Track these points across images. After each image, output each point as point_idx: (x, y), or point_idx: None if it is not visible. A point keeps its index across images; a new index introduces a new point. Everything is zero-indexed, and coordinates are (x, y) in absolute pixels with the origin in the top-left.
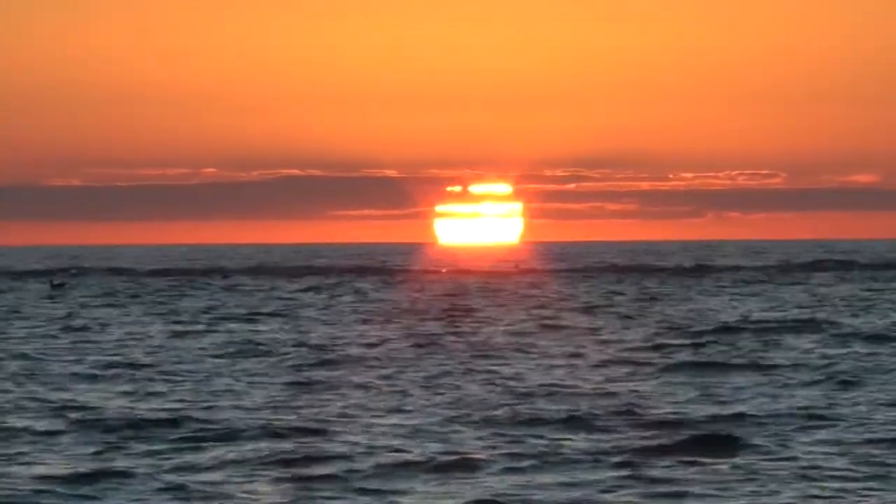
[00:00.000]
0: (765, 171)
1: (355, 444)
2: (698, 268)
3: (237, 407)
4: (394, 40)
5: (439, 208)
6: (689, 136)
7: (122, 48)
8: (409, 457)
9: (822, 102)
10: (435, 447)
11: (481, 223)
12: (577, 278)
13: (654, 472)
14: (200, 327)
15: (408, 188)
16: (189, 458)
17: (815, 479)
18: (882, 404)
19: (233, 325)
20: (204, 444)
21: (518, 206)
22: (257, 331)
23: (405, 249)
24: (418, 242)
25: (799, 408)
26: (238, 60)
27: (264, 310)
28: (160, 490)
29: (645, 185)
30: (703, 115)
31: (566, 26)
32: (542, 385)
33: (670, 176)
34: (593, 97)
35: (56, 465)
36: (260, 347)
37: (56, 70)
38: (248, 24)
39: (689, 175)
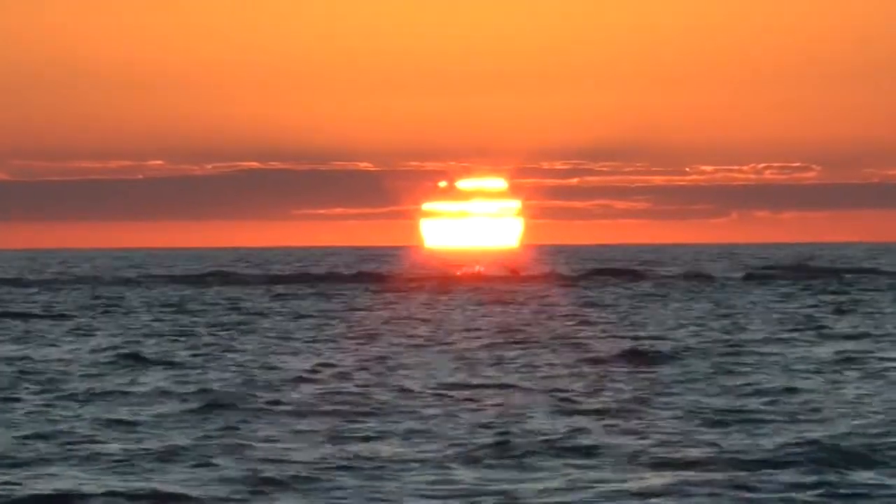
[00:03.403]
0: (797, 164)
1: None
2: None
3: None
4: (368, 12)
5: (425, 206)
6: (710, 122)
7: (55, 22)
8: None
9: (864, 83)
10: None
11: (474, 224)
12: None
13: None
14: None
15: (385, 183)
16: None
17: None
18: None
19: None
20: None
21: (514, 205)
22: None
23: (384, 253)
24: (401, 245)
25: None
26: (189, 37)
27: None
28: None
29: (659, 180)
30: (724, 99)
31: None
32: None
33: (688, 169)
34: (599, 78)
35: None
36: None
37: None
38: None
39: (709, 168)
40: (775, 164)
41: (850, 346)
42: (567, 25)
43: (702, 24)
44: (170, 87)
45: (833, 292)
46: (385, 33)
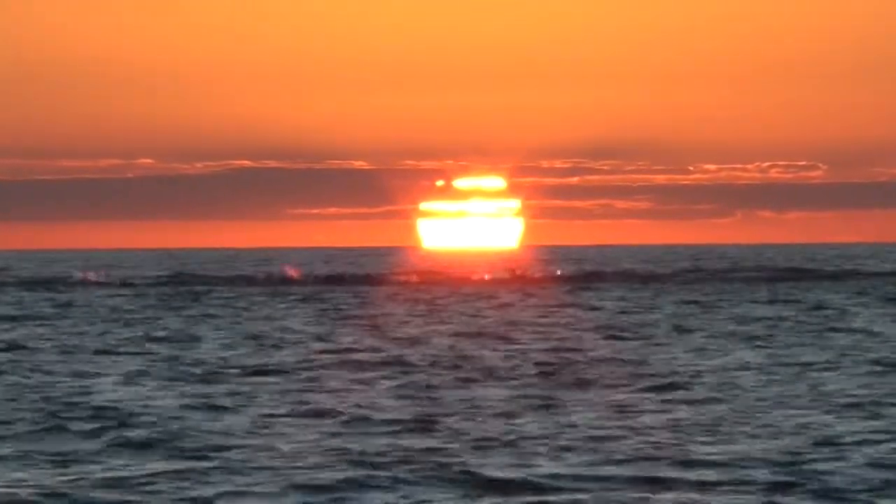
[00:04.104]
0: (802, 163)
1: None
2: None
3: None
4: (363, 9)
5: (422, 206)
6: (713, 121)
7: (42, 22)
8: None
9: (871, 81)
10: None
11: (472, 224)
12: None
13: None
14: None
15: (381, 182)
16: None
17: None
18: None
19: None
20: None
21: (513, 204)
22: None
23: (380, 253)
24: (398, 246)
25: None
26: (179, 34)
27: None
28: None
29: (661, 179)
30: (728, 97)
31: None
32: None
33: (691, 168)
34: (599, 75)
35: None
36: None
37: None
38: None
39: (712, 167)
40: (780, 163)
41: None
42: (567, 23)
43: (706, 21)
44: (159, 84)
45: None
46: (381, 30)
